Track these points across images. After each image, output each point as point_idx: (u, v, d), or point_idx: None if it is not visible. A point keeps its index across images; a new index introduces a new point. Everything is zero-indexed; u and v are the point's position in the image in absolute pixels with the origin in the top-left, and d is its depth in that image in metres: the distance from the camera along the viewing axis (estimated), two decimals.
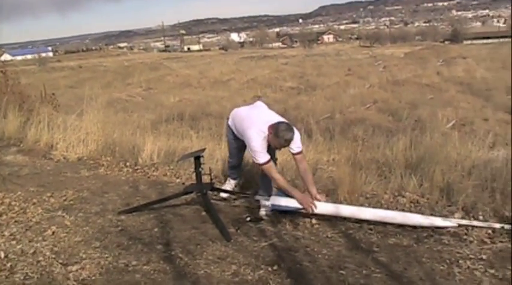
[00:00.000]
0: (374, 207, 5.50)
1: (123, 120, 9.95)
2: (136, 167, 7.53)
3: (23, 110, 10.70)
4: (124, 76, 44.60)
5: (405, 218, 5.01)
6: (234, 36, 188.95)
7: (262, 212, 5.48)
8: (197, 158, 5.47)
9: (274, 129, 4.98)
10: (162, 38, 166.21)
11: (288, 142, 5.00)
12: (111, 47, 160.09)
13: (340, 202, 5.60)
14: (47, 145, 8.91)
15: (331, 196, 5.82)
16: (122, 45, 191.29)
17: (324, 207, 5.16)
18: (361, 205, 5.55)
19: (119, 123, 9.62)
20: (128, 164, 7.68)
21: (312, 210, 5.03)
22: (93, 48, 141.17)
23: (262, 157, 5.04)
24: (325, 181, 6.36)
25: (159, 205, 5.71)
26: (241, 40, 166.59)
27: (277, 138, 4.95)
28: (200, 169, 5.46)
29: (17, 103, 10.86)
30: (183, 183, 6.74)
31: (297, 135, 5.14)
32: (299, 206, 5.09)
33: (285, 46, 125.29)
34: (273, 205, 5.25)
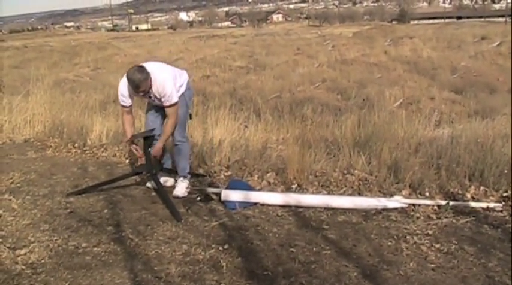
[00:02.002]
0: (323, 185, 5.60)
1: (70, 101, 9.69)
2: (84, 149, 7.45)
3: None
4: (71, 56, 43.48)
5: (354, 203, 5.07)
6: (183, 16, 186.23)
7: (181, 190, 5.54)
8: (146, 139, 5.42)
9: (127, 73, 5.11)
10: (110, 17, 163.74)
11: (138, 86, 5.04)
12: (58, 26, 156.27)
13: (290, 181, 5.67)
14: None
15: (281, 175, 5.86)
16: (68, 24, 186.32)
17: (275, 197, 5.23)
18: (311, 183, 5.62)
19: (67, 103, 9.40)
20: (76, 145, 7.57)
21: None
22: (39, 27, 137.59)
23: (120, 99, 5.39)
24: (274, 160, 6.39)
25: (109, 186, 5.65)
26: (190, 19, 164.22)
27: (128, 80, 5.08)
28: (149, 150, 5.41)
29: None
30: (133, 164, 6.66)
31: (158, 83, 5.16)
32: (251, 200, 5.17)
33: (234, 25, 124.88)
34: (226, 202, 5.21)
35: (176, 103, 5.24)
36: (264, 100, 13.42)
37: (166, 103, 5.20)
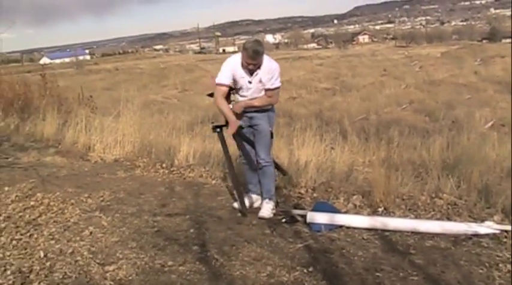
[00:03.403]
0: (410, 209, 5.49)
1: (158, 122, 10.01)
2: (172, 169, 7.59)
3: (61, 112, 10.94)
4: (160, 78, 44.91)
5: (443, 228, 4.93)
6: (269, 38, 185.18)
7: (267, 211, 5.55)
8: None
9: (244, 44, 5.29)
10: (198, 40, 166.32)
11: (256, 53, 5.13)
12: (147, 49, 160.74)
13: (376, 204, 5.58)
14: (85, 147, 9.05)
15: (367, 197, 5.78)
16: (157, 47, 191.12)
17: (361, 220, 5.17)
18: (398, 207, 5.52)
19: (155, 124, 9.69)
20: (163, 165, 7.73)
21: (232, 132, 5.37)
22: (130, 50, 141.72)
23: (219, 76, 5.42)
24: (360, 183, 6.32)
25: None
26: (276, 41, 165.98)
27: (245, 50, 5.16)
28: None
29: (55, 106, 11.14)
30: (219, 184, 6.78)
31: (272, 63, 5.34)
32: (337, 222, 5.13)
33: (320, 47, 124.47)
34: (311, 224, 5.19)
35: (278, 88, 5.41)
36: (350, 121, 13.30)
37: (271, 86, 5.32)
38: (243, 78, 5.34)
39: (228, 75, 5.37)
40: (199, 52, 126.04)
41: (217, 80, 5.42)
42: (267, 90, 5.36)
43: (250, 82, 5.34)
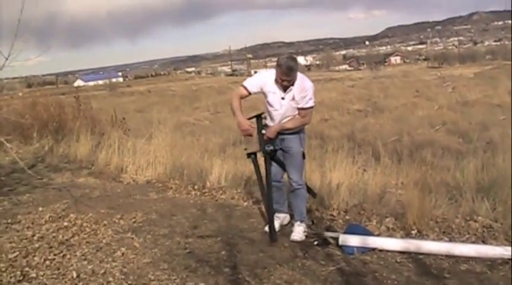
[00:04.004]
0: (444, 232, 5.41)
1: (190, 144, 10.12)
2: (204, 190, 7.59)
3: (94, 134, 11.06)
4: (191, 100, 45.23)
5: (478, 252, 4.85)
6: (301, 59, 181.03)
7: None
8: (259, 118, 5.46)
9: (278, 59, 5.21)
10: (229, 62, 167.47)
11: (290, 70, 5.08)
12: (179, 71, 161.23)
13: (410, 227, 5.52)
14: (117, 168, 9.11)
15: (400, 220, 5.72)
16: (189, 69, 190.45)
17: (394, 243, 5.12)
18: (431, 229, 5.44)
19: (187, 146, 9.72)
20: (195, 187, 7.73)
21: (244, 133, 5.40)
22: (162, 72, 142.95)
23: (248, 81, 5.47)
24: (393, 205, 6.25)
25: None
26: (308, 63, 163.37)
27: (279, 66, 5.11)
28: (262, 131, 5.42)
29: (88, 127, 11.27)
30: (251, 206, 6.77)
31: (306, 82, 5.28)
32: (370, 245, 5.09)
33: (352, 68, 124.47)
34: (343, 246, 5.15)
35: (312, 108, 5.32)
36: (382, 143, 13.19)
37: (305, 105, 5.25)
38: (274, 93, 5.30)
39: (255, 84, 5.39)
40: (231, 75, 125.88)
41: (244, 83, 5.46)
42: (300, 109, 5.30)
43: (283, 99, 5.28)
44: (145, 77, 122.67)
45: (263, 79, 5.36)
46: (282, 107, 5.32)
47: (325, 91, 40.93)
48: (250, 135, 5.41)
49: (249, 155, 5.60)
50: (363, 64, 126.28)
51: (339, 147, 7.82)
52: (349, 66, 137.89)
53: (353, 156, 7.61)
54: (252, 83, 5.39)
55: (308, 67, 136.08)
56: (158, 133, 9.01)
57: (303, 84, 5.25)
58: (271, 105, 5.38)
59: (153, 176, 8.48)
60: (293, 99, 5.26)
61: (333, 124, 24.28)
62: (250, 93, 5.40)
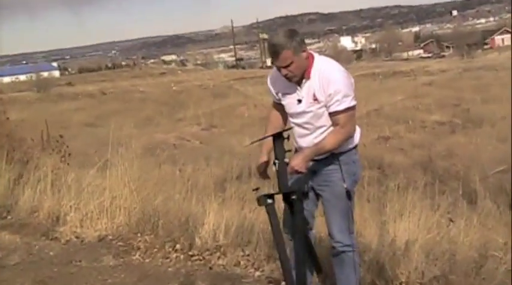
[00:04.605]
0: None
1: (170, 177, 8.05)
2: (191, 253, 5.71)
3: (12, 162, 8.60)
4: (172, 107, 39.83)
5: None
6: (346, 41, 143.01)
7: None
8: (277, 139, 3.71)
9: None
10: (231, 47, 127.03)
11: (274, 48, 3.53)
12: (151, 61, 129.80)
13: None
14: (50, 217, 6.99)
15: None
16: (167, 58, 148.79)
17: None
18: None
19: (164, 181, 7.58)
20: (177, 247, 5.83)
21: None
22: (123, 63, 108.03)
23: None
24: (501, 277, 4.63)
25: None
26: (358, 47, 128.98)
27: None
28: (285, 160, 3.73)
29: (3, 151, 8.69)
30: (266, 277, 5.04)
31: (330, 67, 3.67)
32: None
33: (429, 55, 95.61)
34: None
35: (353, 109, 3.65)
36: (480, 176, 10.73)
37: (337, 106, 3.58)
38: (289, 94, 3.79)
39: (271, 90, 3.97)
40: (235, 67, 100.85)
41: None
42: (332, 114, 3.63)
43: (299, 101, 3.72)
44: (97, 70, 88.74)
45: (272, 75, 3.92)
46: (301, 116, 3.78)
47: (385, 92, 36.39)
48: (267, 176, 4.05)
49: (259, 200, 3.86)
50: (448, 48, 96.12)
51: (408, 183, 6.80)
52: (425, 51, 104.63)
53: (432, 197, 6.09)
54: (269, 91, 4.06)
55: (358, 54, 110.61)
56: (118, 161, 6.95)
57: (327, 73, 3.63)
58: (290, 115, 3.90)
59: (108, 230, 6.47)
60: (315, 99, 3.66)
61: (398, 145, 20.67)
62: (278, 100, 3.96)
